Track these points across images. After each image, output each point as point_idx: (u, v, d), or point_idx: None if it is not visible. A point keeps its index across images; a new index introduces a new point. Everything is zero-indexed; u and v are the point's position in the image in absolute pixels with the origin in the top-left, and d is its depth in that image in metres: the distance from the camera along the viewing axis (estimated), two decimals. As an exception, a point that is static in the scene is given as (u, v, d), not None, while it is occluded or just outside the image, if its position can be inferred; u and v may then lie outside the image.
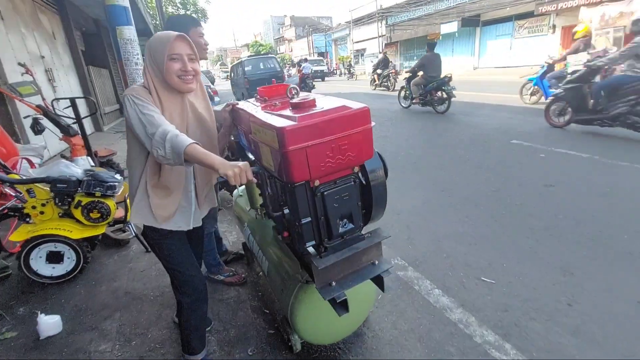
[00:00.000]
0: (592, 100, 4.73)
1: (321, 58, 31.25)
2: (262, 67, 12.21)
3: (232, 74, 14.01)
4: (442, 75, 7.40)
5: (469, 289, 2.09)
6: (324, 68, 25.49)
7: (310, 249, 1.21)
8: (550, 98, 5.67)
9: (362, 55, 28.93)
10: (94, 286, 2.37)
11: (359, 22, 28.92)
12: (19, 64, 4.17)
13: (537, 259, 2.31)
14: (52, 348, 1.83)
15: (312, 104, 1.09)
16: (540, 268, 2.20)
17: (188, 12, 26.90)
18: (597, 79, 4.99)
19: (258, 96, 1.47)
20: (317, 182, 1.06)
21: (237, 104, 1.46)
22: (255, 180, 1.10)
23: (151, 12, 16.41)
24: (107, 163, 4.12)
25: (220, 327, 1.91)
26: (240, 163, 1.01)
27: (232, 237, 2.93)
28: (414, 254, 2.51)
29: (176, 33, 1.18)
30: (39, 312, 1.94)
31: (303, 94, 1.24)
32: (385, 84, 13.22)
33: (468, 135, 5.59)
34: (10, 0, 5.41)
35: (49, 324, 1.90)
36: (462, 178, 3.81)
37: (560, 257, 2.29)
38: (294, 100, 1.11)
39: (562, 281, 2.07)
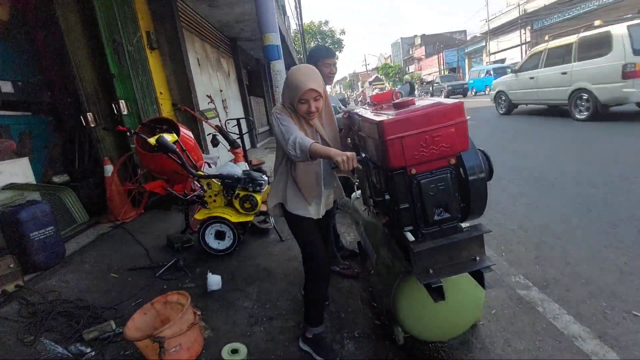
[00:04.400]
0: None
1: (453, 74, 29.73)
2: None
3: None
4: None
5: (612, 321, 1.78)
6: (462, 83, 23.32)
7: (409, 235, 1.35)
8: None
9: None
10: (243, 261, 3.03)
11: (497, 31, 26.58)
12: (207, 95, 5.67)
13: None
14: (213, 298, 2.46)
15: (411, 102, 1.27)
16: None
17: (327, 44, 30.27)
18: None
19: (370, 102, 1.74)
20: (413, 171, 1.21)
21: (352, 110, 1.77)
22: (360, 167, 1.31)
23: (297, 49, 19.40)
24: (257, 169, 5.13)
25: (333, 308, 2.19)
26: (348, 153, 1.27)
27: (349, 237, 3.23)
28: (541, 274, 2.26)
29: (309, 86, 1.45)
30: (209, 272, 2.64)
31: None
32: None
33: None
34: (204, 50, 7.39)
35: (214, 281, 2.57)
36: (619, 198, 3.14)
37: None
38: (396, 101, 1.31)
39: None
